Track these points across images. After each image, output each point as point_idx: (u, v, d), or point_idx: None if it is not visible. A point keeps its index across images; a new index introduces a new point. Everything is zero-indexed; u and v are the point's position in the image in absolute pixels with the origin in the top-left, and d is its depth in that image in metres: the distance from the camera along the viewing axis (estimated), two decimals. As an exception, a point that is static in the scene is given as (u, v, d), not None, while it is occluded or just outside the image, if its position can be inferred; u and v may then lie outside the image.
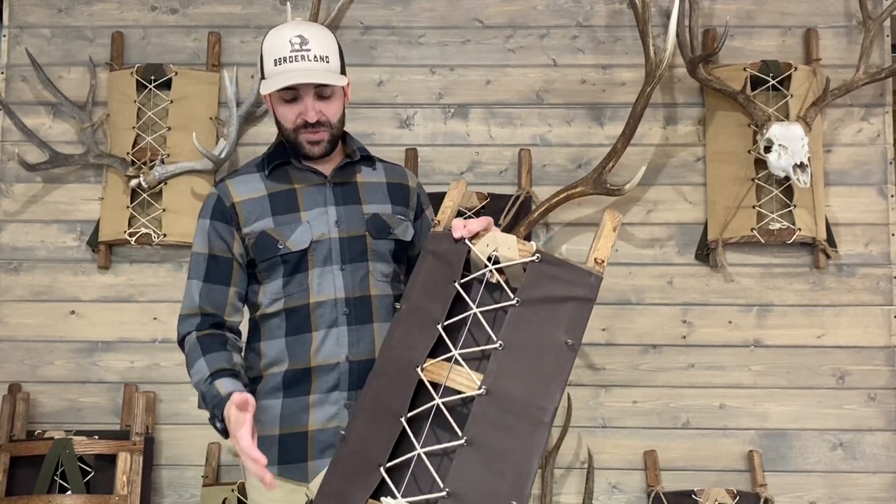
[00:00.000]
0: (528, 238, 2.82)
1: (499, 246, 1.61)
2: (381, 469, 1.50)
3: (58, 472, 2.61)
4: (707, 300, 2.85)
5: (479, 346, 1.55)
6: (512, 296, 1.56)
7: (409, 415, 1.53)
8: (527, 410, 1.47)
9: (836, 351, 2.82)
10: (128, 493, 2.60)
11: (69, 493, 2.58)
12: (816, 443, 2.79)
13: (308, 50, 1.69)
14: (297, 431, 1.66)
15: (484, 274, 1.60)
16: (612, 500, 2.78)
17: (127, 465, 2.63)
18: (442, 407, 1.51)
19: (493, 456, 1.45)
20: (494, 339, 1.53)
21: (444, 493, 1.45)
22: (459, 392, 1.52)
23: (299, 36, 1.69)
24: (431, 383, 1.54)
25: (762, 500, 2.66)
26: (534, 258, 1.57)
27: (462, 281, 1.61)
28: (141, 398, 2.73)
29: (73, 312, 2.88)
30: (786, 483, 2.76)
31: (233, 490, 2.66)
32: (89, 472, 2.64)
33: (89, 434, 2.69)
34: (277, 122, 1.77)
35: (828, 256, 2.81)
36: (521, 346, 1.52)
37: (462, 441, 1.47)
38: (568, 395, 2.77)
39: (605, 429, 2.81)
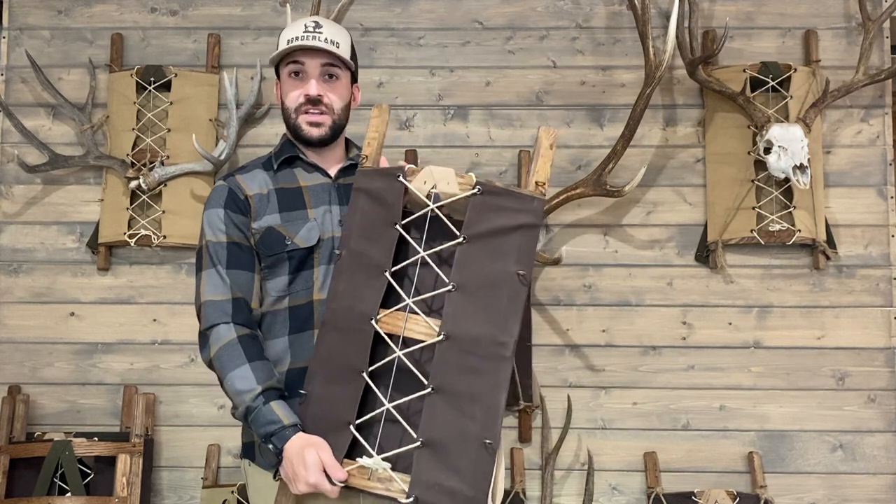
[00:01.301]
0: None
1: (437, 181, 1.56)
2: (351, 427, 1.50)
3: (57, 474, 2.60)
4: (707, 301, 2.85)
5: (430, 290, 1.53)
6: (457, 233, 1.53)
7: (371, 369, 1.52)
8: (488, 349, 1.47)
9: (835, 352, 2.82)
10: (127, 495, 2.60)
11: (69, 494, 2.58)
12: (816, 444, 2.79)
13: (320, 32, 1.74)
14: None
15: (426, 214, 1.56)
16: (612, 502, 2.78)
17: (127, 467, 2.63)
18: (404, 358, 1.51)
19: (460, 399, 1.46)
20: (446, 281, 1.51)
21: (417, 444, 1.45)
22: (419, 341, 1.51)
23: (315, 22, 1.75)
24: (389, 335, 1.53)
25: (762, 502, 2.66)
26: (475, 191, 1.53)
27: (403, 222, 1.57)
28: (141, 400, 2.73)
29: (72, 314, 2.88)
30: (786, 484, 2.76)
31: (232, 492, 2.66)
32: (89, 474, 2.64)
33: (89, 436, 2.69)
34: (282, 106, 1.80)
35: (827, 258, 2.81)
36: (473, 285, 1.50)
37: (428, 390, 1.47)
38: (568, 396, 2.77)
39: (604, 430, 2.81)
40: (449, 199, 1.54)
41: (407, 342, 1.52)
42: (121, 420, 2.81)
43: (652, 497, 2.69)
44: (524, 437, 2.78)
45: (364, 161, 1.65)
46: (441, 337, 1.48)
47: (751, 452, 2.76)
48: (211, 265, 1.69)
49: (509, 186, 1.55)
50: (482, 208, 1.52)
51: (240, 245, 1.71)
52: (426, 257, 1.54)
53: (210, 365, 1.66)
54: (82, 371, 2.85)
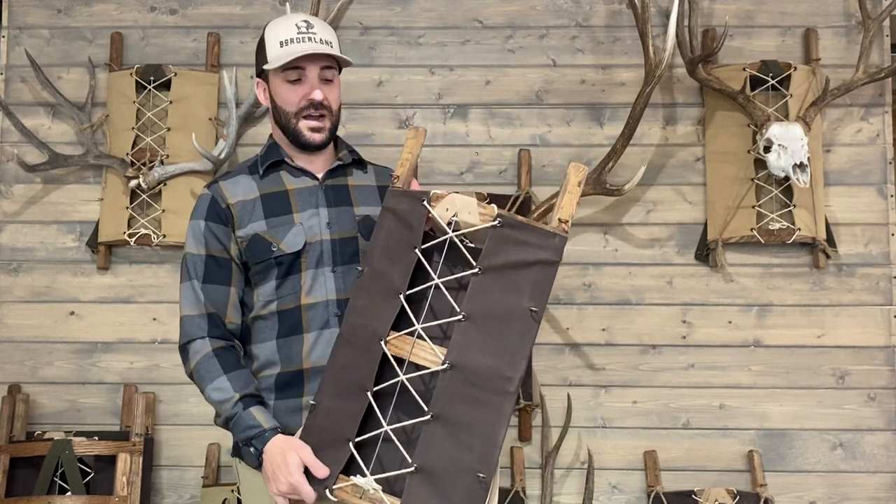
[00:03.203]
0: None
1: (459, 210, 1.56)
2: (350, 445, 1.51)
3: (57, 473, 2.60)
4: (707, 300, 2.85)
5: (441, 317, 1.53)
6: (474, 263, 1.53)
7: (375, 389, 1.53)
8: (492, 382, 1.46)
9: (835, 351, 2.82)
10: (127, 494, 2.60)
11: (69, 494, 2.58)
12: (816, 443, 2.79)
13: (314, 33, 1.73)
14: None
15: (445, 240, 1.57)
16: (612, 501, 2.78)
17: (127, 466, 2.63)
18: (406, 383, 1.51)
19: (459, 429, 1.45)
20: (457, 310, 1.51)
21: (412, 469, 1.45)
22: (423, 367, 1.51)
23: (305, 21, 1.74)
24: (395, 358, 1.54)
25: (762, 500, 2.66)
26: (495, 223, 1.53)
27: (423, 247, 1.58)
28: (141, 399, 2.72)
29: (72, 313, 2.88)
30: (786, 483, 2.76)
31: (232, 491, 2.66)
32: (89, 473, 2.64)
33: (89, 435, 2.69)
34: (277, 110, 1.77)
35: (827, 256, 2.81)
36: (484, 317, 1.49)
37: (427, 416, 1.47)
38: (568, 395, 2.77)
39: (605, 429, 2.81)
40: (467, 229, 1.55)
41: (413, 367, 1.53)
42: (121, 419, 2.81)
43: (652, 496, 2.69)
44: (524, 436, 2.78)
45: (395, 181, 1.66)
46: (444, 366, 1.48)
47: (751, 451, 2.76)
48: (188, 278, 1.72)
49: (531, 221, 1.55)
50: (500, 241, 1.52)
51: (217, 259, 1.72)
52: (440, 285, 1.55)
53: (191, 378, 1.70)
54: (82, 370, 2.85)
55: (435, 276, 1.56)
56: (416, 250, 1.57)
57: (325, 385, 1.59)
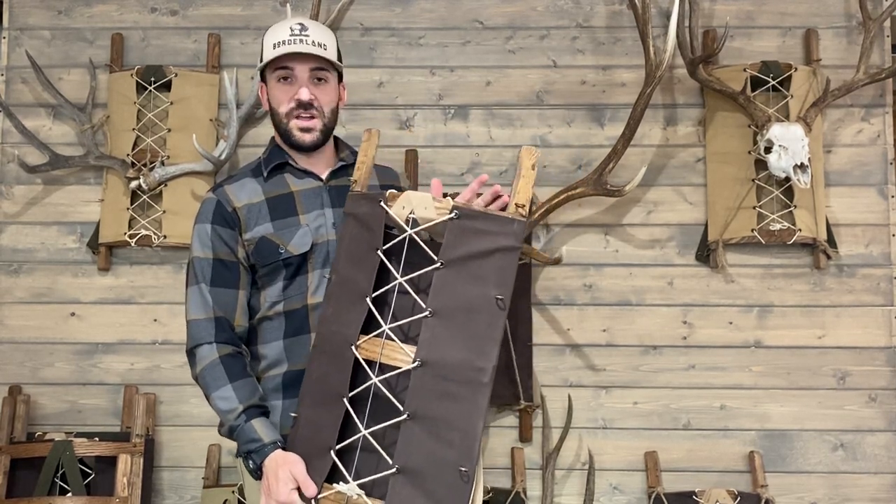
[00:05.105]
0: (528, 240, 2.82)
1: (415, 207, 1.56)
2: (332, 453, 1.51)
3: (58, 474, 2.61)
4: (707, 301, 2.85)
5: (408, 315, 1.53)
6: (435, 258, 1.52)
7: (351, 395, 1.53)
8: (465, 374, 1.46)
9: (836, 351, 2.81)
10: (128, 495, 2.60)
11: (69, 495, 2.58)
12: (817, 443, 2.79)
13: (307, 35, 1.74)
14: None
15: (405, 238, 1.57)
16: (613, 502, 2.78)
17: (127, 467, 2.63)
18: (379, 385, 1.52)
19: (437, 425, 1.45)
20: (423, 307, 1.51)
21: (393, 470, 1.46)
22: (395, 368, 1.51)
23: (300, 24, 1.76)
24: (367, 361, 1.54)
25: (763, 501, 2.65)
26: (452, 215, 1.53)
27: (384, 247, 1.58)
28: (141, 400, 2.73)
29: (73, 314, 2.88)
30: (786, 484, 2.76)
31: (233, 492, 2.66)
32: (90, 474, 2.64)
33: (90, 436, 2.69)
34: (271, 110, 1.80)
35: (828, 257, 2.81)
36: (450, 311, 1.49)
37: (404, 416, 1.47)
38: (569, 396, 2.77)
39: (605, 430, 2.81)
40: (425, 225, 1.55)
41: (385, 368, 1.53)
42: (121, 420, 2.81)
43: (653, 497, 2.69)
44: (525, 437, 2.78)
45: (353, 185, 1.66)
46: (416, 364, 1.48)
47: (751, 452, 2.76)
48: (195, 282, 1.72)
49: (487, 209, 1.54)
50: (459, 232, 1.51)
51: (225, 262, 1.73)
52: (404, 283, 1.55)
53: (197, 382, 1.71)
54: (83, 371, 2.86)
55: (398, 275, 1.56)
56: (378, 252, 1.57)
57: (304, 396, 1.60)
